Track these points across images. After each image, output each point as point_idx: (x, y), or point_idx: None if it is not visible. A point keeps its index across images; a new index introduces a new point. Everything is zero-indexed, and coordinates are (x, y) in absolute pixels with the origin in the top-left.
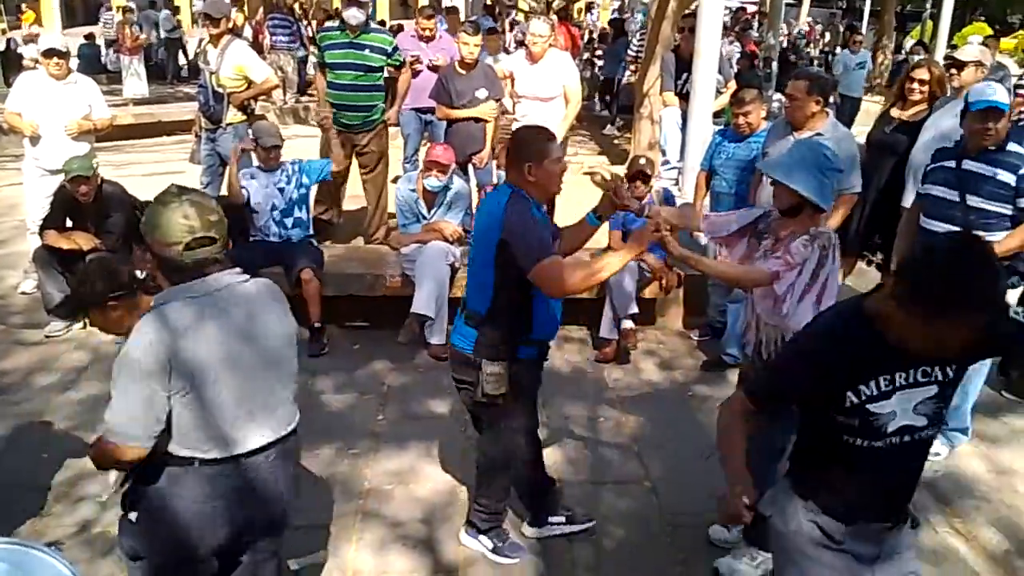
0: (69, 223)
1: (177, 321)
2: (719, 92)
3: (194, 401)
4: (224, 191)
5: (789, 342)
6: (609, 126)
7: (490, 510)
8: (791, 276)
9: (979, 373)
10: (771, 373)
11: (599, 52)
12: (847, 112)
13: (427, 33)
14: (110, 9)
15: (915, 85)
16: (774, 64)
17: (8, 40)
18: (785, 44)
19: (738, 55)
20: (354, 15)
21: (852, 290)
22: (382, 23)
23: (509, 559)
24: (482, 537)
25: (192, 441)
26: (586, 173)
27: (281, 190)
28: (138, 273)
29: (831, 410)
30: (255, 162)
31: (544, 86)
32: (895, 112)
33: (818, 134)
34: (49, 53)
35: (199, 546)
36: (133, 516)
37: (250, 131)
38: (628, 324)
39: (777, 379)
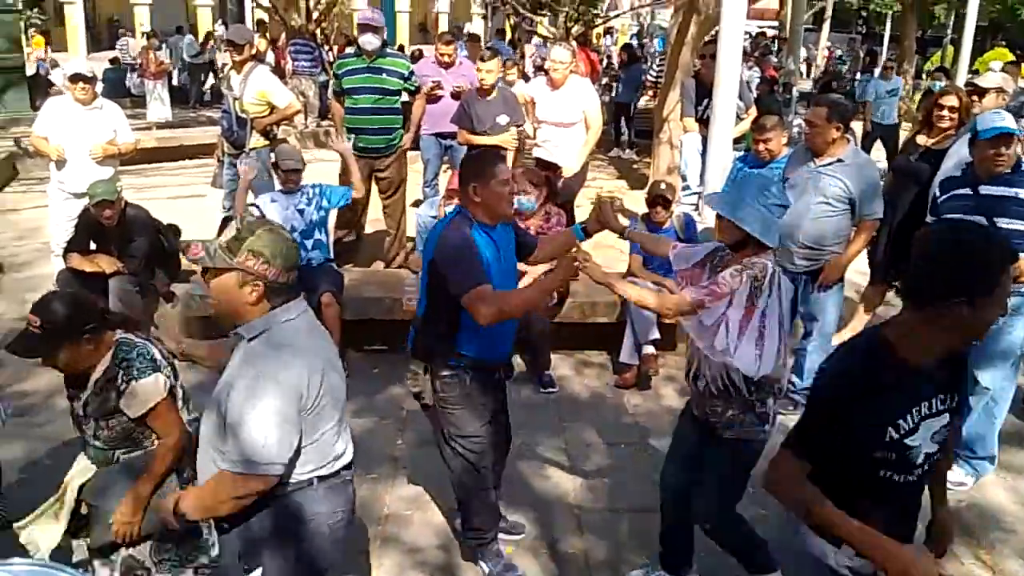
0: (93, 246)
1: (299, 340)
2: (740, 118)
3: (315, 418)
4: None
5: (812, 391)
6: (621, 149)
7: (480, 534)
8: (719, 307)
9: (1004, 399)
10: (803, 428)
11: (621, 76)
12: (884, 140)
13: (446, 59)
14: (126, 35)
15: (944, 112)
16: (794, 89)
17: (38, 64)
18: (824, 69)
19: (757, 80)
20: (369, 40)
21: (879, 319)
22: (401, 48)
23: (516, 535)
24: (480, 562)
25: (312, 459)
26: (605, 197)
27: (301, 211)
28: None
29: (870, 447)
30: (277, 185)
31: (565, 112)
32: (921, 139)
33: (839, 160)
34: (76, 78)
35: (335, 559)
36: (257, 571)
37: (272, 154)
38: (649, 349)
39: (812, 433)
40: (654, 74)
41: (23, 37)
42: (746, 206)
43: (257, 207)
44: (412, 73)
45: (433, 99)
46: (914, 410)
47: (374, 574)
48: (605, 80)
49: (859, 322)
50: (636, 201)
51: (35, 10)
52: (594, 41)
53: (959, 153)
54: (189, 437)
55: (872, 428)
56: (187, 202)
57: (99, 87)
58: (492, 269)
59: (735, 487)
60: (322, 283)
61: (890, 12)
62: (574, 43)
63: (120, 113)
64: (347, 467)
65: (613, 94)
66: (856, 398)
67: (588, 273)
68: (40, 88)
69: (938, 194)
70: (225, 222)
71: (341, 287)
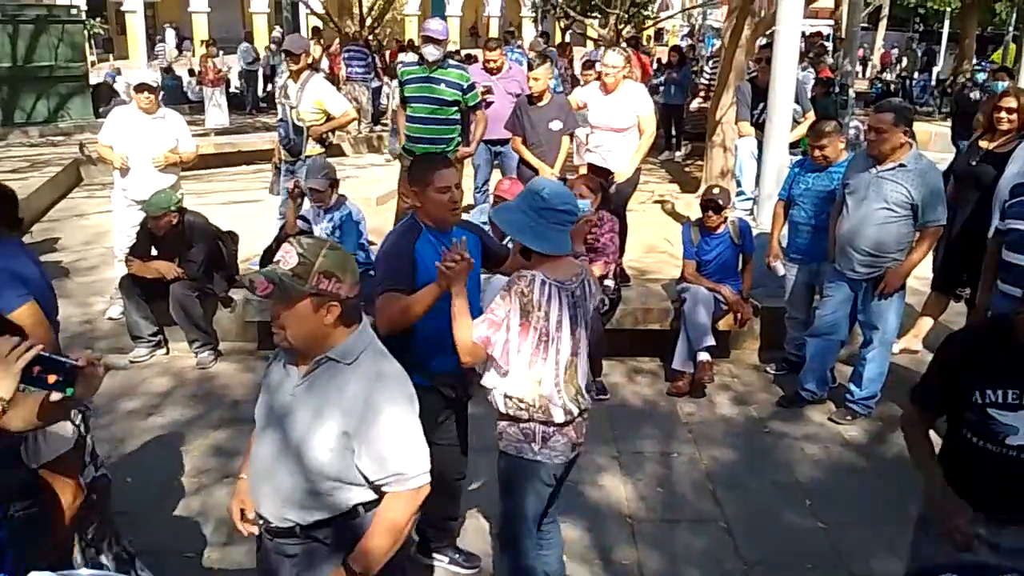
0: (154, 251)
1: (390, 358)
2: (797, 122)
3: None
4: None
5: (937, 349)
6: (672, 152)
7: (437, 531)
8: (501, 336)
9: None
10: (923, 380)
11: (673, 77)
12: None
13: (491, 65)
14: (163, 41)
15: (1003, 114)
16: (850, 91)
17: (106, 74)
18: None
19: (812, 81)
20: (431, 52)
21: (948, 328)
22: (456, 53)
23: (467, 569)
24: (435, 555)
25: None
26: (656, 201)
27: (333, 231)
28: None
29: (959, 405)
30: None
31: (618, 117)
32: (983, 143)
33: (901, 165)
34: (140, 88)
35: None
36: None
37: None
38: (704, 357)
39: (927, 384)
40: (707, 76)
41: (88, 46)
42: (512, 215)
43: (306, 218)
44: (472, 86)
45: (486, 105)
46: (1010, 390)
47: None
48: (657, 82)
49: (921, 331)
50: (688, 205)
51: (98, 19)
52: (645, 44)
53: (1022, 157)
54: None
55: (965, 388)
56: (244, 207)
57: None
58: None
59: (512, 505)
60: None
61: (949, 9)
62: (625, 45)
63: (182, 122)
64: None
65: (663, 97)
66: (964, 357)
67: (446, 280)
68: (104, 96)
69: (1007, 199)
70: (281, 230)
71: (370, 296)
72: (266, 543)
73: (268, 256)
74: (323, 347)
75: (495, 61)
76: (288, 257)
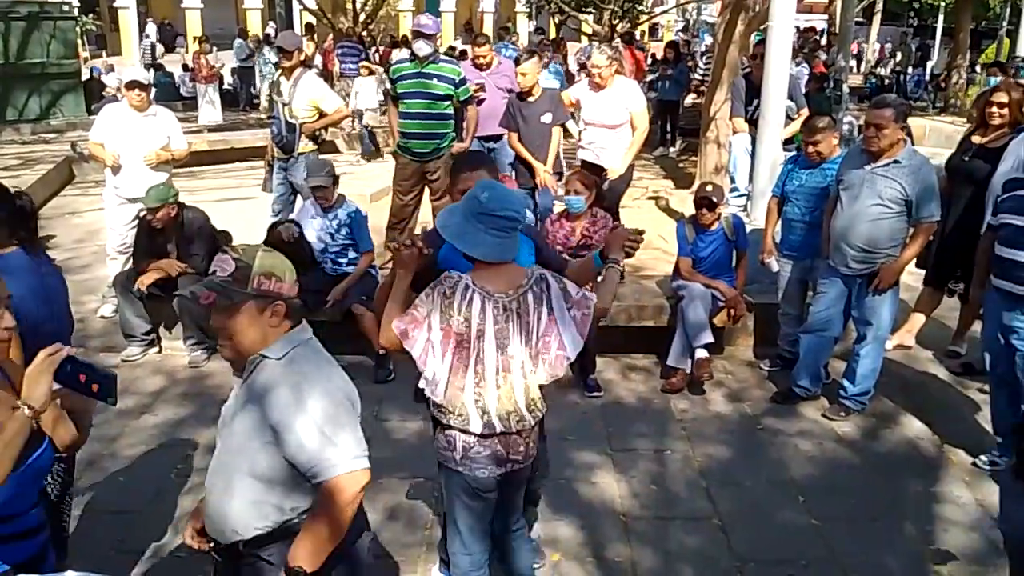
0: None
1: (325, 355)
2: (791, 118)
3: None
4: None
5: None
6: (666, 148)
7: None
8: (422, 335)
9: None
10: None
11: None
12: None
13: (481, 61)
14: (148, 36)
15: (994, 109)
16: (844, 86)
17: (91, 69)
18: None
19: (806, 77)
20: (421, 47)
21: (941, 324)
22: (451, 50)
23: None
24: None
25: None
26: (650, 198)
27: (332, 235)
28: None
29: None
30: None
31: (611, 113)
32: (976, 138)
33: (895, 162)
34: (131, 85)
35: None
36: None
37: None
38: (702, 353)
39: None
40: (701, 72)
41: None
42: (454, 217)
43: (296, 223)
44: (464, 81)
45: (479, 101)
46: None
47: None
48: (651, 78)
49: (914, 327)
50: (682, 201)
51: (90, 16)
52: (640, 39)
53: (1017, 153)
54: None
55: None
56: (237, 204)
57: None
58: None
59: (447, 515)
60: (351, 294)
61: (943, 4)
62: (619, 41)
63: (173, 119)
64: None
65: (657, 92)
66: None
67: (397, 263)
68: (94, 92)
69: (1000, 194)
70: (273, 227)
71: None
72: (217, 567)
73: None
74: (261, 348)
75: (484, 57)
76: (224, 265)
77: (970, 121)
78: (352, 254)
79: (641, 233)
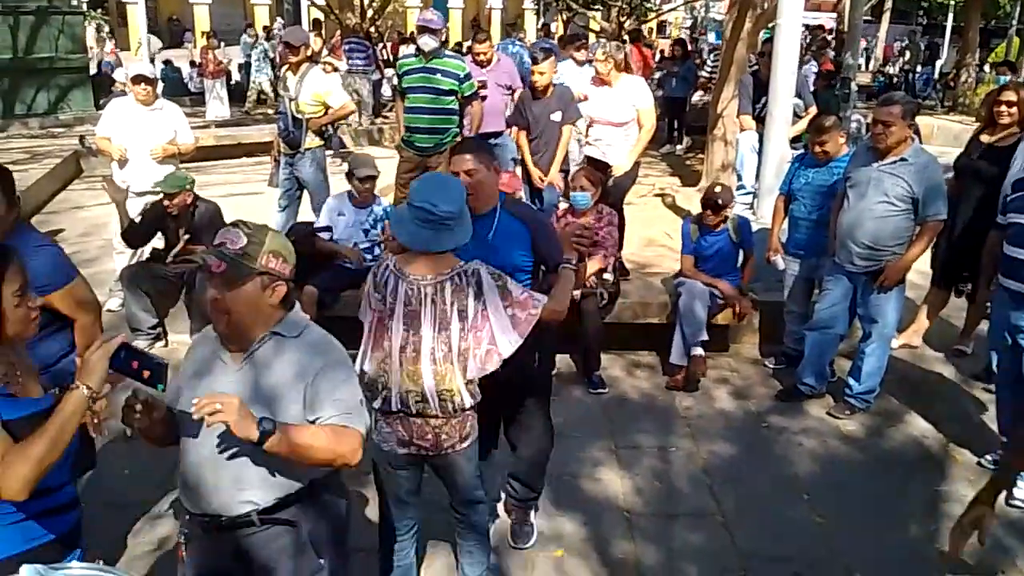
0: (161, 242)
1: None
2: (799, 116)
3: None
4: (300, 217)
5: None
6: (673, 146)
7: None
8: (364, 306)
9: None
10: None
11: (676, 70)
12: None
13: (481, 58)
14: (149, 33)
15: (1003, 108)
16: (852, 84)
17: (100, 63)
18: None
19: (814, 75)
20: (427, 42)
21: (948, 324)
22: (458, 46)
23: None
24: None
25: None
26: (657, 195)
27: (366, 231)
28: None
29: None
30: (333, 188)
31: (617, 111)
32: (984, 137)
33: (902, 159)
34: (137, 79)
35: None
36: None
37: (329, 155)
38: (698, 351)
39: None
40: (708, 69)
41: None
42: (401, 222)
43: (328, 228)
44: (468, 76)
45: (481, 98)
46: None
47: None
48: (658, 75)
49: (921, 326)
50: (689, 199)
51: (99, 11)
52: (648, 36)
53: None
54: None
55: None
56: (245, 199)
57: (160, 87)
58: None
59: (376, 481)
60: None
61: (952, 3)
62: (627, 38)
63: (180, 114)
64: None
65: (664, 90)
66: None
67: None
68: (104, 87)
69: (1009, 193)
70: (291, 229)
71: None
72: (202, 544)
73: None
74: (266, 326)
75: (485, 54)
76: (236, 239)
77: (979, 120)
78: (378, 251)
79: (588, 228)
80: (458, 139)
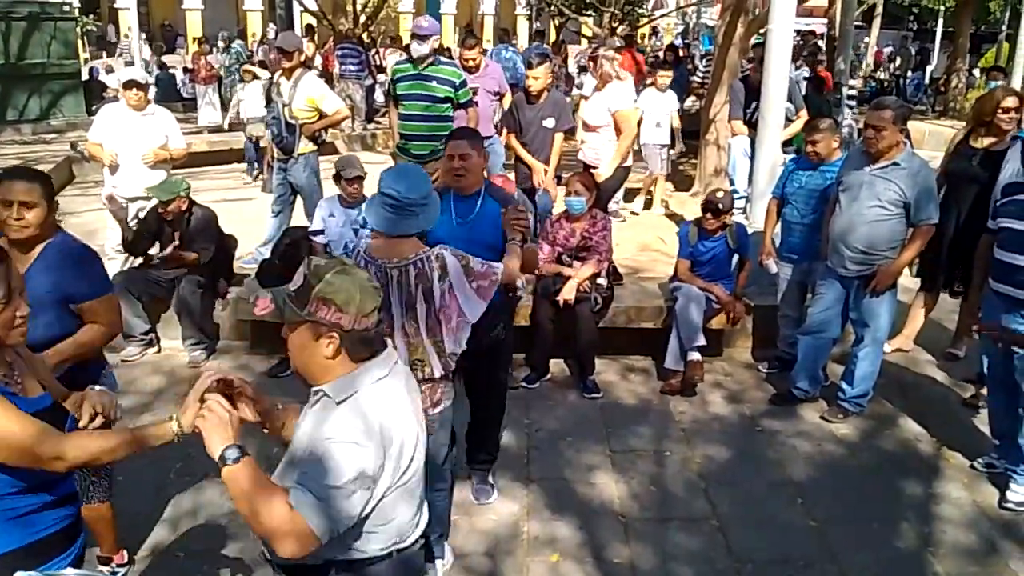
0: (156, 247)
1: (390, 407)
2: (790, 120)
3: (399, 493)
4: (294, 222)
5: None
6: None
7: None
8: None
9: None
10: None
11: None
12: None
13: (470, 64)
14: (127, 37)
15: (1008, 115)
16: (844, 89)
17: (91, 69)
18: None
19: (804, 79)
20: (416, 48)
21: (940, 326)
22: (448, 50)
23: None
24: None
25: (394, 533)
26: (649, 199)
27: (356, 231)
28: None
29: None
30: (325, 193)
31: (594, 114)
32: (973, 141)
33: (895, 164)
34: (129, 85)
35: None
36: None
37: (320, 159)
38: (695, 356)
39: None
40: (700, 75)
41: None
42: (371, 208)
43: (322, 232)
44: (464, 83)
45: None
46: None
47: None
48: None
49: (912, 329)
50: (682, 203)
51: (91, 16)
52: (640, 41)
53: (1015, 158)
54: None
55: None
56: (236, 205)
57: (152, 92)
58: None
59: None
60: None
61: (943, 8)
62: (620, 42)
63: (172, 119)
64: (423, 535)
65: None
66: None
67: None
68: (95, 92)
69: (999, 198)
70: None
71: None
72: None
73: (275, 254)
74: (322, 380)
75: (473, 60)
76: (297, 277)
77: (971, 123)
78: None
79: (521, 210)
80: None
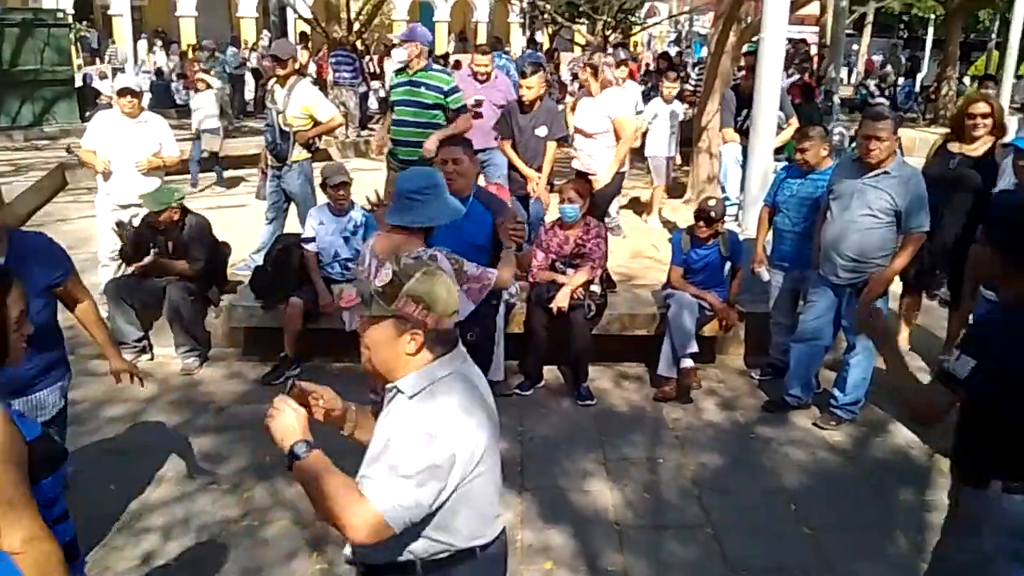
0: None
1: (463, 399)
2: (781, 128)
3: (473, 483)
4: (288, 229)
5: None
6: None
7: None
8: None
9: None
10: None
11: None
12: None
13: (481, 69)
14: (114, 43)
15: (977, 120)
16: (835, 97)
17: (84, 75)
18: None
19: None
20: (399, 54)
21: (930, 332)
22: (444, 57)
23: None
24: None
25: (474, 528)
26: (642, 207)
27: (346, 239)
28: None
29: None
30: (320, 200)
31: (591, 121)
32: (952, 147)
33: (885, 172)
34: (123, 92)
35: None
36: None
37: (316, 168)
38: (688, 363)
39: None
40: (693, 83)
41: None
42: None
43: (312, 240)
44: (454, 90)
45: (475, 115)
46: None
47: None
48: (643, 89)
49: (903, 336)
50: (674, 211)
51: (84, 23)
52: (634, 49)
53: (1009, 168)
54: None
55: None
56: (229, 212)
57: (146, 100)
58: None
59: None
60: None
61: (933, 16)
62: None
63: (165, 126)
64: (502, 532)
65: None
66: None
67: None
68: (88, 99)
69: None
70: (278, 240)
71: None
72: None
73: (268, 260)
74: (398, 375)
75: (485, 66)
76: (383, 273)
77: (952, 129)
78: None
79: (520, 222)
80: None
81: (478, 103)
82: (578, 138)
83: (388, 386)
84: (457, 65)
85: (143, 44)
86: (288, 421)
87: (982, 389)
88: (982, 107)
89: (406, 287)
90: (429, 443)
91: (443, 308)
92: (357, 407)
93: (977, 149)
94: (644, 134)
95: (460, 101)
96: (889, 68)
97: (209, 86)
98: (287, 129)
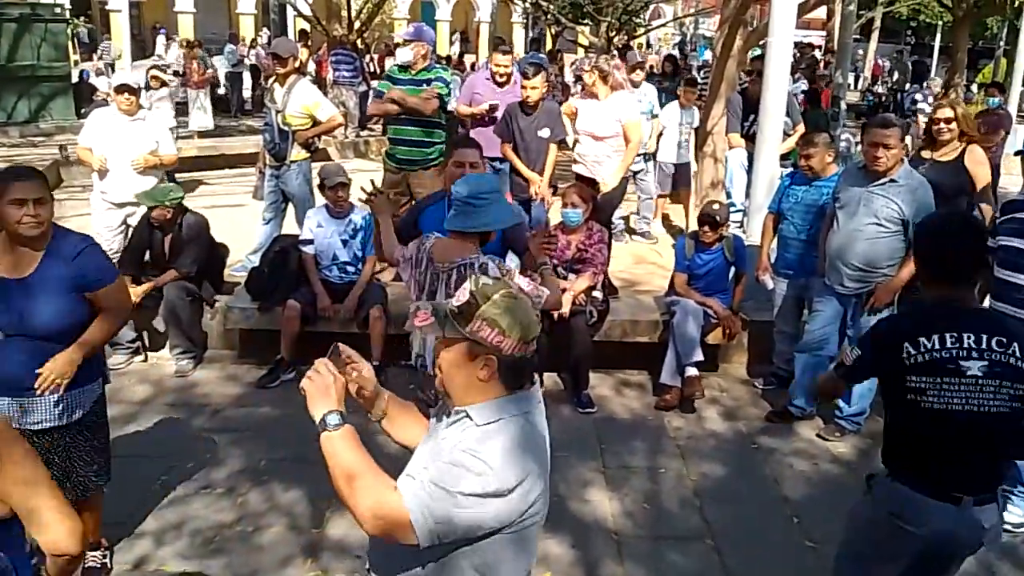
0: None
1: (528, 443)
2: (787, 134)
3: (515, 536)
4: (286, 230)
5: None
6: None
7: None
8: (407, 270)
9: None
10: None
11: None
12: None
13: (502, 70)
14: (109, 39)
15: (941, 126)
16: (842, 103)
17: (81, 72)
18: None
19: (801, 93)
20: (402, 54)
21: None
22: (447, 59)
23: None
24: None
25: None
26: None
27: (345, 242)
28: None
29: None
30: (318, 200)
31: (600, 124)
32: (925, 153)
33: (892, 181)
34: (120, 89)
35: None
36: None
37: (316, 169)
38: (692, 372)
39: None
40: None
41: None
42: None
43: (312, 241)
44: (450, 91)
45: (489, 121)
46: None
47: None
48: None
49: None
50: (677, 215)
51: (82, 19)
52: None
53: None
54: None
55: None
56: (227, 211)
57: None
58: None
59: None
60: (369, 298)
61: (941, 23)
62: (616, 53)
63: (162, 124)
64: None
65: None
66: None
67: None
68: (85, 95)
69: (999, 216)
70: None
71: (385, 301)
72: None
73: (264, 262)
74: (467, 401)
75: (506, 67)
76: (461, 293)
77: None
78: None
79: (552, 235)
80: (442, 159)
81: (492, 108)
82: (583, 142)
83: (456, 409)
84: (466, 66)
85: (160, 40)
86: (326, 386)
87: (861, 374)
88: (946, 112)
89: (482, 309)
90: (483, 474)
91: (520, 334)
92: (390, 396)
93: (947, 154)
94: (659, 137)
95: (448, 102)
96: (896, 74)
97: (165, 84)
98: (286, 128)
